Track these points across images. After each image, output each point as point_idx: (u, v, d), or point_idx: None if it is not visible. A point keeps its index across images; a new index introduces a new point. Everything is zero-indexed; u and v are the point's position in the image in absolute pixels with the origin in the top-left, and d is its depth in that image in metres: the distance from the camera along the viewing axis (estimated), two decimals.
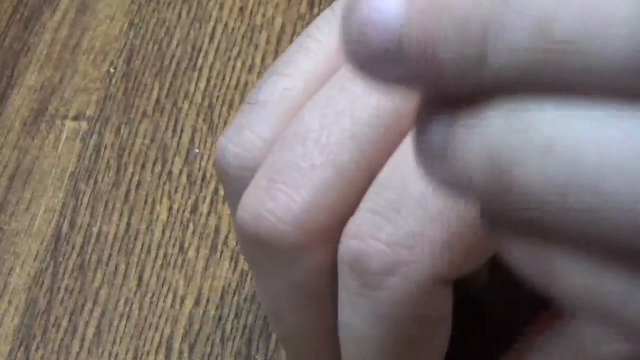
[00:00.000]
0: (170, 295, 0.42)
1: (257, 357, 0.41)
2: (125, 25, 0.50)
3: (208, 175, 0.45)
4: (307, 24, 0.50)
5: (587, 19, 0.16)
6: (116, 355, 0.41)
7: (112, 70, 0.49)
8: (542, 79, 0.17)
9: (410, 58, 0.17)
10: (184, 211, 0.44)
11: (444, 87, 0.18)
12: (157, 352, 0.41)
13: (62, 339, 0.42)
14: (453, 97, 0.18)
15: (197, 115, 0.47)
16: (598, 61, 0.16)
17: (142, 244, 0.44)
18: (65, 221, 0.44)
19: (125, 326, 0.42)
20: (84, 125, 0.47)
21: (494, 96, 0.17)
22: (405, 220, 0.27)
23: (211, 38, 0.49)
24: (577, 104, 0.16)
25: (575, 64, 0.16)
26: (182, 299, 0.42)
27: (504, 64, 0.17)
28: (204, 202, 0.45)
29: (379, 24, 0.17)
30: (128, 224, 0.44)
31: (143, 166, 0.46)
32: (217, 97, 0.48)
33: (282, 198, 0.29)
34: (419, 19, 0.17)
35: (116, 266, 0.43)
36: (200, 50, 0.49)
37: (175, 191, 0.45)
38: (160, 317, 0.42)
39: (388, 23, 0.17)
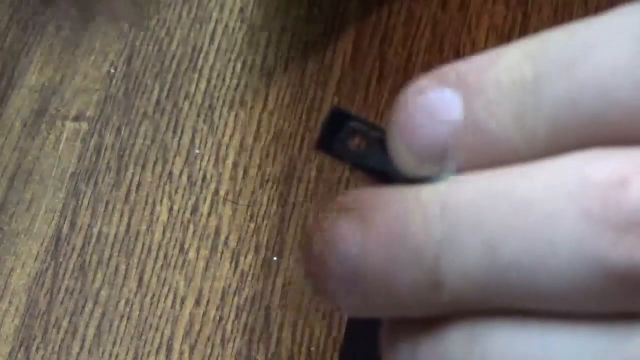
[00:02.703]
0: (171, 296, 0.42)
1: (257, 357, 0.41)
2: (126, 26, 0.50)
3: (208, 176, 0.45)
4: (308, 24, 0.50)
5: (532, 243, 0.16)
6: (116, 356, 0.41)
7: (112, 70, 0.49)
8: (496, 300, 0.17)
9: (367, 288, 0.18)
10: (184, 212, 0.44)
11: (404, 312, 0.18)
12: (157, 352, 0.41)
13: (62, 340, 0.42)
14: (417, 319, 0.18)
15: (198, 116, 0.47)
16: (543, 283, 0.16)
17: (143, 245, 0.44)
18: (66, 222, 0.44)
19: (126, 327, 0.42)
20: (84, 125, 0.47)
21: (454, 317, 0.18)
22: None
23: (211, 39, 0.49)
24: (531, 326, 0.17)
25: (523, 285, 0.17)
26: (183, 300, 0.42)
27: (458, 286, 0.17)
28: (204, 202, 0.45)
29: (336, 255, 0.18)
30: (128, 225, 0.44)
31: (143, 167, 0.46)
32: (218, 97, 0.48)
33: None
34: (375, 250, 0.18)
35: (116, 267, 0.43)
36: (200, 50, 0.49)
37: (176, 192, 0.45)
38: (160, 317, 0.42)
39: (345, 254, 0.18)
